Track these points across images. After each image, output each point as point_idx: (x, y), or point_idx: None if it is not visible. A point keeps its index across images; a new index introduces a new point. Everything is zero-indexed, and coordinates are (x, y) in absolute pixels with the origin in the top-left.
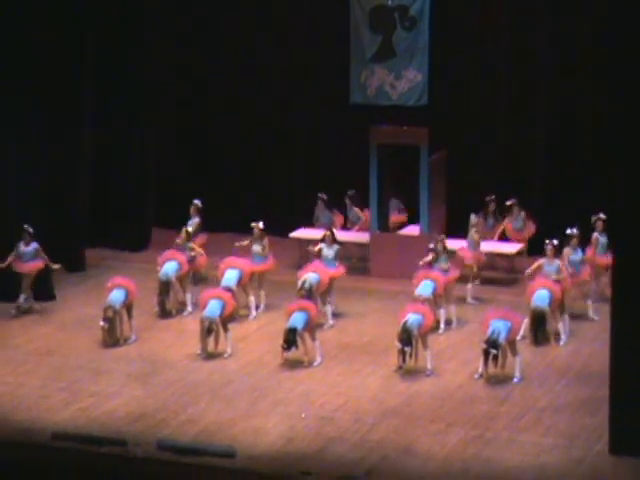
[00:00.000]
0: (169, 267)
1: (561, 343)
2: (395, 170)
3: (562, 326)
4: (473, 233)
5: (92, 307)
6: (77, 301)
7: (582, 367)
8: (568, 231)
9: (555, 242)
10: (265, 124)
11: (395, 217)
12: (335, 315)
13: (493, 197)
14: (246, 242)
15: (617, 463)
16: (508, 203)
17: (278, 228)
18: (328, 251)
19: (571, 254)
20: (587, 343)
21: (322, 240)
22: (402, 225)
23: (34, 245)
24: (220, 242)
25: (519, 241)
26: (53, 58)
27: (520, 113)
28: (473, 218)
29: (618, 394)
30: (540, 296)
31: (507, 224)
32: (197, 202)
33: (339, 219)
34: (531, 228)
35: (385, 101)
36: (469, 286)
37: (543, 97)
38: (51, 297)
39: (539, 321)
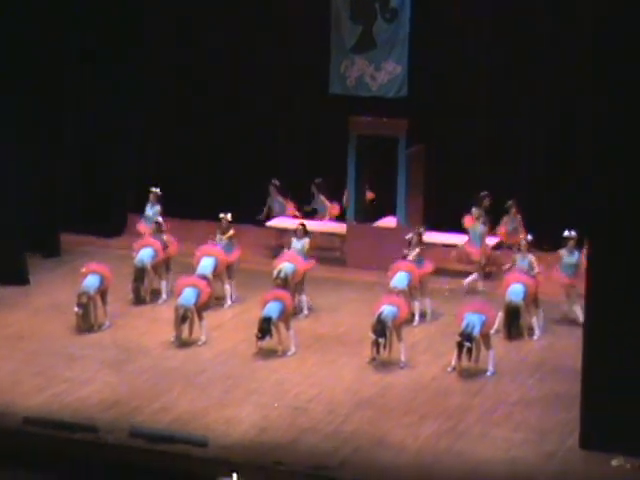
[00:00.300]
0: (144, 254)
1: (535, 338)
2: (373, 161)
3: (536, 321)
4: (478, 226)
5: (66, 293)
6: (51, 286)
7: (555, 362)
8: (566, 233)
9: (529, 237)
10: (247, 113)
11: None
12: (309, 306)
13: (487, 193)
14: (219, 236)
15: (588, 458)
16: (508, 203)
17: (253, 218)
18: (297, 243)
19: (566, 256)
20: (561, 338)
21: (294, 233)
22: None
23: None
24: (194, 230)
25: (510, 243)
26: (53, 58)
27: (501, 105)
28: (475, 211)
29: (590, 389)
30: (514, 290)
31: (502, 225)
32: (156, 190)
33: (290, 206)
34: (523, 233)
35: (365, 92)
36: (474, 276)
37: (526, 89)
38: (25, 282)
39: (513, 315)
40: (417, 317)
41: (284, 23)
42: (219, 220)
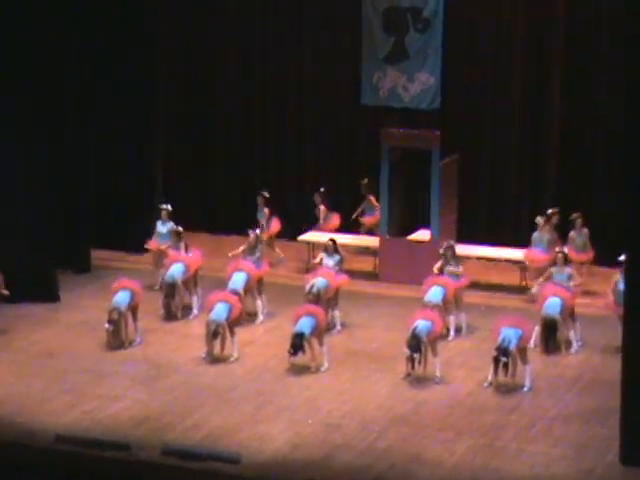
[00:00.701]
0: (175, 269)
1: (572, 351)
2: (406, 174)
3: (573, 334)
4: (544, 234)
5: (97, 309)
6: (82, 303)
7: (593, 376)
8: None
9: (565, 250)
10: (276, 125)
11: (368, 219)
12: (342, 321)
13: (557, 209)
14: (240, 250)
15: (628, 474)
16: (573, 216)
17: (287, 231)
18: (328, 260)
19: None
20: (598, 352)
21: (324, 249)
22: (375, 225)
23: None
24: (227, 245)
25: (579, 262)
26: (53, 58)
27: (534, 116)
28: (539, 220)
29: (629, 403)
30: (551, 304)
31: (570, 242)
32: (167, 206)
33: (274, 217)
34: (590, 252)
35: (397, 103)
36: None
37: (559, 99)
38: (55, 298)
39: (550, 329)
40: (452, 332)
41: (297, 23)
42: (245, 234)
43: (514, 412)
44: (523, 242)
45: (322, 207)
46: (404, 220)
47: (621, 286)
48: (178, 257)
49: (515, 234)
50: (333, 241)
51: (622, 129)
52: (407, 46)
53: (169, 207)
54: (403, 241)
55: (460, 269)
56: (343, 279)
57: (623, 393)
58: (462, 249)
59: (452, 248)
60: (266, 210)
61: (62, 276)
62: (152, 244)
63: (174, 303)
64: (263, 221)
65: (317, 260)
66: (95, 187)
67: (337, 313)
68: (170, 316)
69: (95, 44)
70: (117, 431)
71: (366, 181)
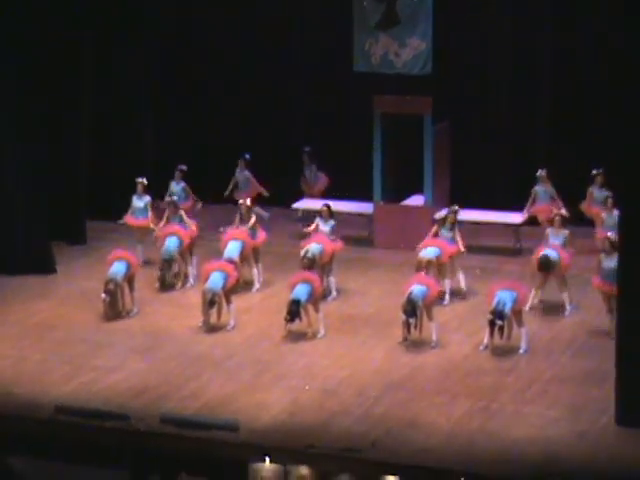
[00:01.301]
0: (171, 243)
1: (566, 314)
2: (399, 140)
3: (567, 297)
4: (547, 187)
5: (93, 280)
6: (78, 274)
7: (587, 338)
8: (594, 171)
9: (563, 212)
10: (266, 93)
11: (320, 184)
12: (338, 287)
13: (601, 170)
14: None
15: (623, 435)
16: (594, 172)
17: (281, 199)
18: (324, 227)
19: (595, 193)
20: (593, 314)
21: (319, 215)
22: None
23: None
24: (217, 214)
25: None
26: (53, 52)
27: (525, 80)
28: (599, 193)
29: (624, 366)
30: (548, 251)
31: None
32: (142, 180)
33: (254, 181)
34: (556, 208)
35: (389, 69)
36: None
37: (549, 64)
38: (52, 270)
39: (546, 264)
40: (447, 296)
41: (303, 3)
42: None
43: (510, 375)
44: (516, 205)
45: (314, 166)
46: (398, 186)
47: (605, 264)
48: (172, 230)
49: (507, 198)
50: (328, 207)
51: (614, 93)
52: (398, 12)
53: (144, 180)
54: (396, 207)
55: (457, 235)
56: (338, 245)
57: (618, 355)
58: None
59: (455, 213)
60: (247, 173)
61: (58, 248)
62: (128, 219)
63: (170, 274)
64: (242, 184)
65: (312, 227)
66: (91, 159)
67: (332, 279)
68: (165, 287)
69: (96, 33)
70: (115, 401)
71: (309, 149)
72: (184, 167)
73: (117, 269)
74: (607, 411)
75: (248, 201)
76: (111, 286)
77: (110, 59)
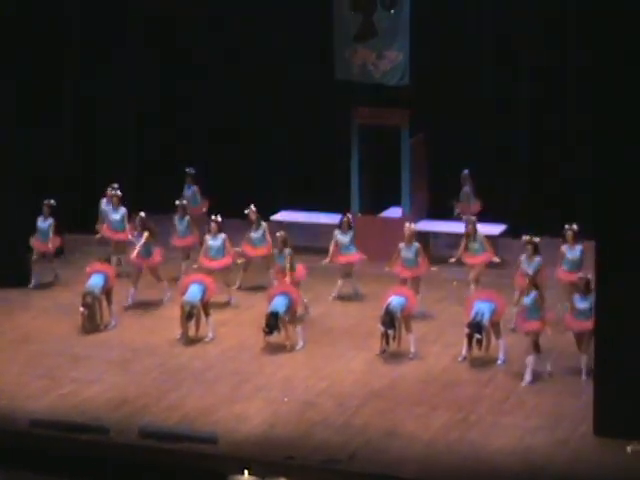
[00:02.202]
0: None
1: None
2: (377, 151)
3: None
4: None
5: (71, 293)
6: (55, 287)
7: (565, 348)
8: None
9: (575, 227)
10: (247, 103)
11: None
12: (317, 298)
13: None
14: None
15: (602, 444)
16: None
17: (259, 210)
18: (343, 237)
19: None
20: None
21: (339, 226)
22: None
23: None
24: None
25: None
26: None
27: (503, 92)
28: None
29: (602, 375)
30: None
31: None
32: (116, 192)
33: (204, 201)
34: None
35: (368, 80)
36: None
37: (527, 77)
38: (28, 283)
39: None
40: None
41: (284, 11)
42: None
43: (488, 385)
44: (493, 217)
45: (195, 188)
46: (376, 198)
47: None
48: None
49: (485, 209)
50: (347, 218)
51: (591, 100)
52: (375, 24)
53: (119, 192)
54: (375, 218)
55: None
56: (358, 255)
57: (596, 364)
58: (434, 225)
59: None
60: (194, 188)
61: (34, 260)
62: (106, 231)
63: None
64: (190, 198)
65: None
66: (66, 171)
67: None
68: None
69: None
70: (93, 414)
71: (191, 170)
72: (192, 170)
73: (95, 282)
74: (586, 420)
75: (219, 217)
76: (89, 299)
77: (94, 71)
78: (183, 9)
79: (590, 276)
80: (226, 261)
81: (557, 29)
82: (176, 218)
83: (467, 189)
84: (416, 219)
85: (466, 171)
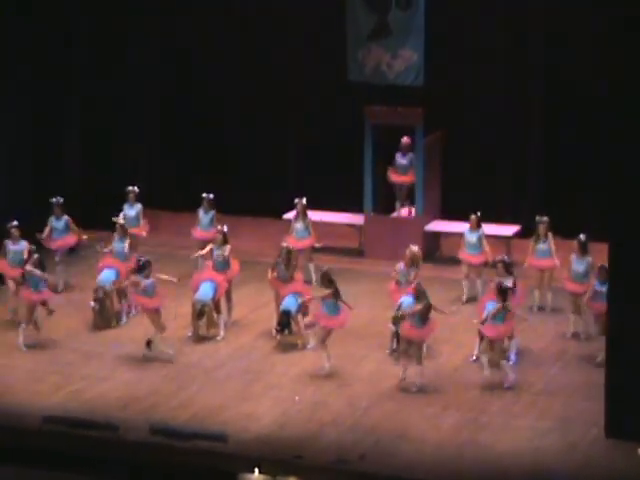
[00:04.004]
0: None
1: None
2: (390, 151)
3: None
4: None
5: (83, 289)
6: (67, 284)
7: (577, 350)
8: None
9: (582, 237)
10: (262, 104)
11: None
12: None
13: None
14: (206, 250)
15: (613, 447)
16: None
17: (272, 209)
18: (297, 224)
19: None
20: (583, 327)
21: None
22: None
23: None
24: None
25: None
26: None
27: (518, 92)
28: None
29: (614, 378)
30: None
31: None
32: (134, 188)
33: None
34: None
35: (382, 81)
36: None
37: (543, 77)
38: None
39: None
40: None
41: (299, 13)
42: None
43: (499, 387)
44: (507, 218)
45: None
46: (388, 197)
47: (575, 267)
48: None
49: (499, 210)
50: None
51: (607, 101)
52: (390, 23)
53: (136, 188)
54: (387, 218)
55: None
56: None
57: (608, 367)
58: (446, 226)
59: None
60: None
61: (47, 256)
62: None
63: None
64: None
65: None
66: (80, 167)
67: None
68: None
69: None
70: (104, 411)
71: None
72: (211, 196)
73: (106, 277)
74: (597, 423)
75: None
76: (100, 294)
77: (102, 70)
78: (197, 9)
79: (582, 237)
80: (228, 274)
81: (573, 27)
82: (201, 211)
83: None
84: (429, 219)
85: None
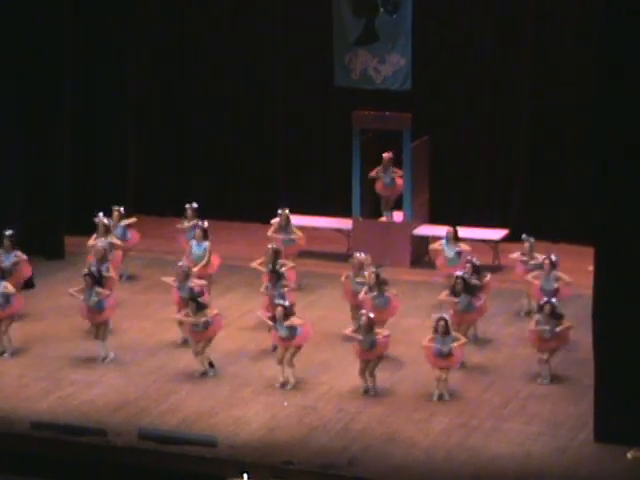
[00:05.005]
0: None
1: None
2: (378, 155)
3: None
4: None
5: (72, 295)
6: (56, 289)
7: (566, 354)
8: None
9: (553, 258)
10: (249, 109)
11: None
12: (317, 303)
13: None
14: (171, 279)
15: (602, 450)
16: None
17: (260, 214)
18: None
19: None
20: (571, 331)
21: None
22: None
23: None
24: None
25: None
26: (35, 52)
27: (504, 97)
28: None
29: (602, 381)
30: None
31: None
32: (119, 208)
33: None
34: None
35: (369, 85)
36: None
37: (528, 80)
38: (30, 286)
39: None
40: None
41: (285, 17)
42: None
43: (488, 391)
44: (494, 222)
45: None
46: (377, 202)
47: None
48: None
49: (486, 214)
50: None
51: (591, 105)
52: (377, 28)
53: (122, 209)
54: (375, 223)
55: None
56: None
57: (596, 370)
58: (434, 230)
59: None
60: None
61: (35, 263)
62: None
63: None
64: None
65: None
66: (69, 173)
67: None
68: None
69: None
70: (93, 417)
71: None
72: (195, 205)
73: None
74: (586, 427)
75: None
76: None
77: (94, 74)
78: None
79: (554, 301)
80: (208, 269)
81: (562, 31)
82: (185, 221)
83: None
84: (417, 223)
85: None
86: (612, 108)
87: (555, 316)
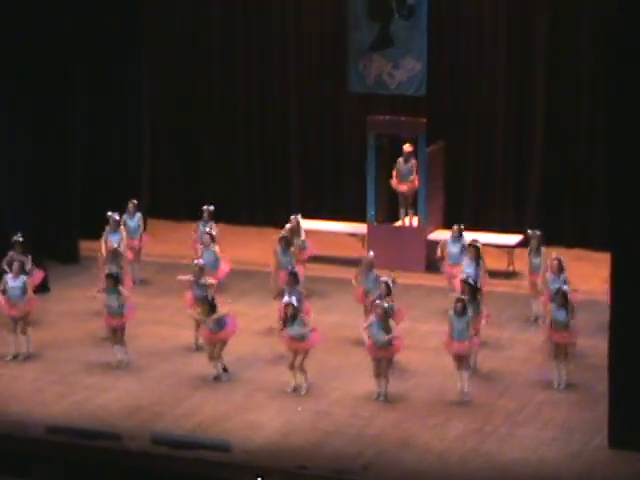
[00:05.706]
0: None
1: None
2: (393, 160)
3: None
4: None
5: (86, 300)
6: (71, 294)
7: (581, 360)
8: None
9: (561, 258)
10: (264, 114)
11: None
12: (331, 307)
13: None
14: (187, 277)
15: (616, 456)
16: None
17: (275, 219)
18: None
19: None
20: (585, 336)
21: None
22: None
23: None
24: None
25: None
26: (49, 52)
27: (519, 100)
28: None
29: (617, 387)
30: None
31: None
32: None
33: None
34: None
35: (384, 90)
36: None
37: (543, 82)
38: (45, 290)
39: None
40: None
41: (300, 23)
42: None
43: (503, 396)
44: (509, 227)
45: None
46: (391, 206)
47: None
48: None
49: (501, 219)
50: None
51: (606, 110)
52: (392, 33)
53: (135, 201)
54: (390, 227)
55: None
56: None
57: (610, 376)
58: (448, 235)
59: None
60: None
61: (50, 267)
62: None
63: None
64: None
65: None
66: (83, 178)
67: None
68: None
69: (92, 37)
70: (107, 421)
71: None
72: (211, 208)
73: None
74: (600, 432)
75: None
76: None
77: (106, 74)
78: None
79: (565, 287)
80: (219, 273)
81: (576, 33)
82: (200, 224)
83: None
84: (431, 228)
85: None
86: (627, 110)
87: (567, 303)
